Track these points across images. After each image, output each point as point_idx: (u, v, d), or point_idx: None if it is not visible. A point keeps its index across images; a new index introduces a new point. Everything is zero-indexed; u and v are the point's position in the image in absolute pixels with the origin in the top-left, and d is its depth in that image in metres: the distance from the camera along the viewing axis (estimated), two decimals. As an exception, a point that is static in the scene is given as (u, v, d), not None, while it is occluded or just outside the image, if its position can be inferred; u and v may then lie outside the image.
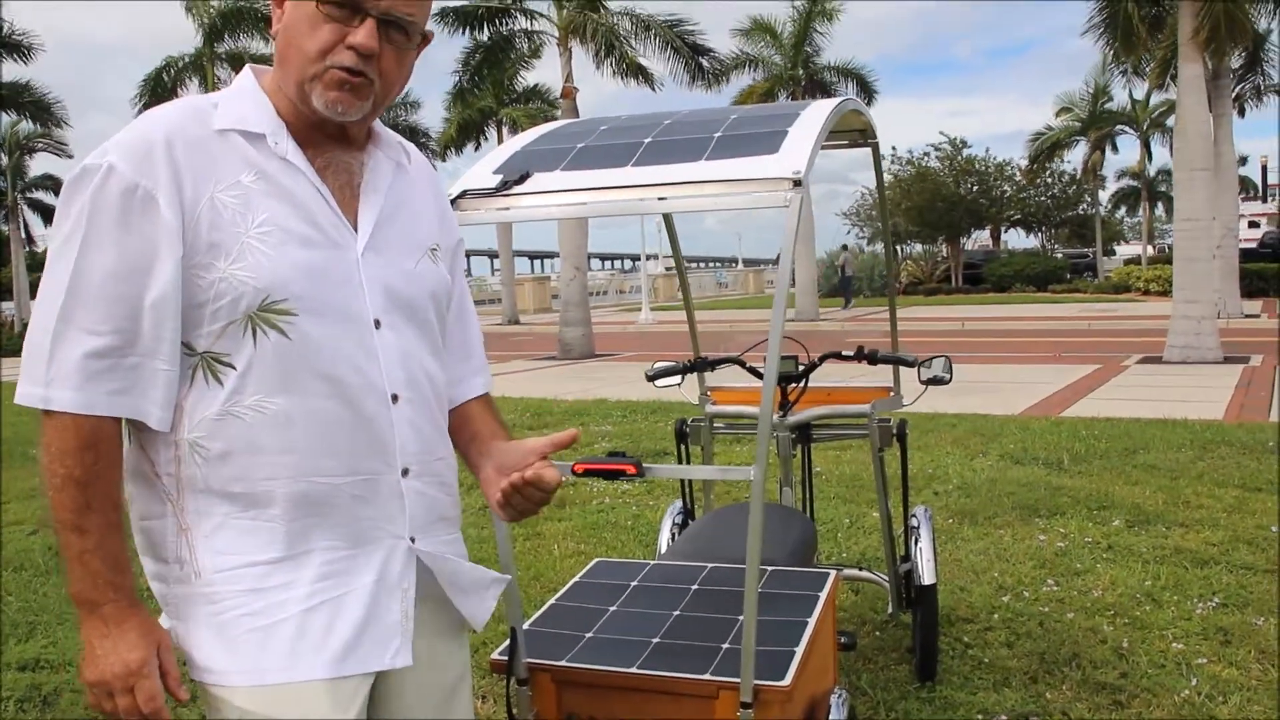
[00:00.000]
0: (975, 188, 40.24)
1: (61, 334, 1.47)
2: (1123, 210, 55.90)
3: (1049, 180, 42.06)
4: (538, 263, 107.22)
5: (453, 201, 2.27)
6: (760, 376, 3.86)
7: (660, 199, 2.13)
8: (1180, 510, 6.23)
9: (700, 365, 3.91)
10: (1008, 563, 5.30)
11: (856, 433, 3.94)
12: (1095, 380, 13.21)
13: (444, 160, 31.79)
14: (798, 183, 2.05)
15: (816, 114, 2.38)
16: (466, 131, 29.52)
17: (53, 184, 40.81)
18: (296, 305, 1.54)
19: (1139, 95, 38.21)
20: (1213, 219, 15.97)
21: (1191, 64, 15.27)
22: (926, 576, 3.79)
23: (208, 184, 1.52)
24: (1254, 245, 36.88)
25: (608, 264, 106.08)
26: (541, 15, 19.15)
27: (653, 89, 19.72)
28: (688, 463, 4.06)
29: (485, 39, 19.51)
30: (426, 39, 1.67)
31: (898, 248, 46.57)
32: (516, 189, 2.25)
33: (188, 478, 1.56)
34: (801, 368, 3.76)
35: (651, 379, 3.92)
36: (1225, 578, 4.95)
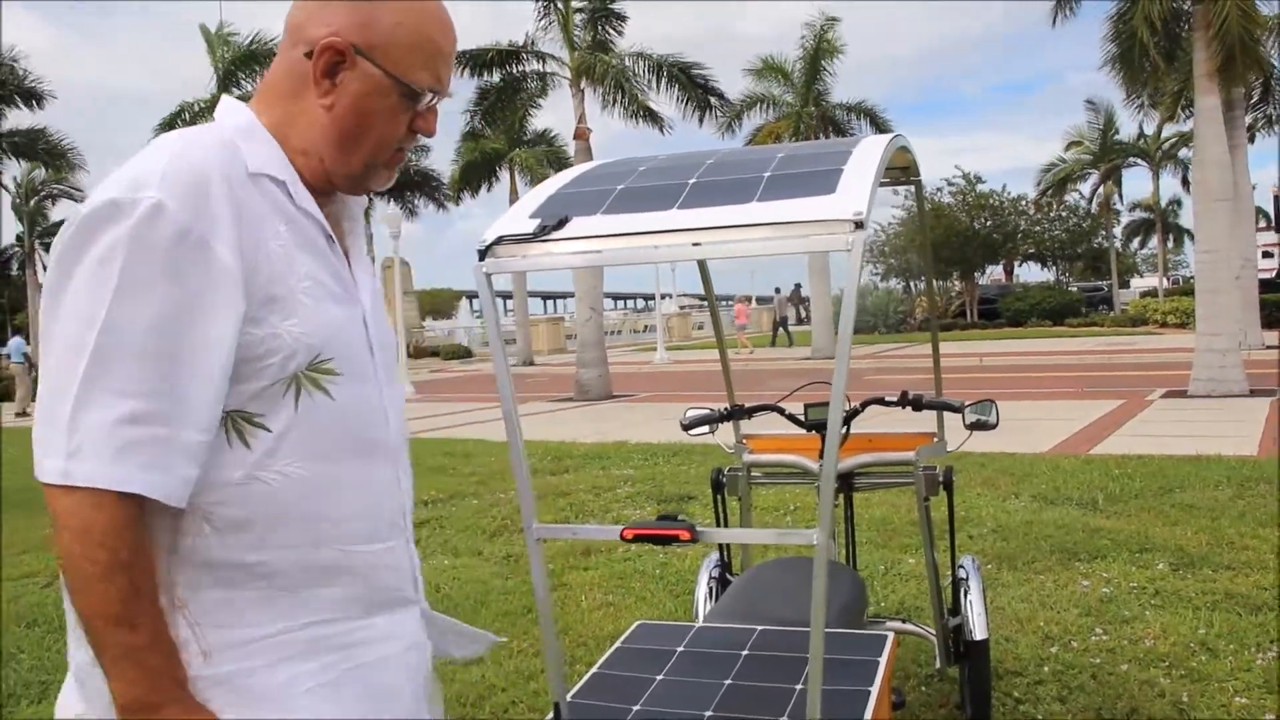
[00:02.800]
0: (989, 222, 40.16)
1: (86, 398, 1.27)
2: (1135, 242, 55.80)
3: (1063, 214, 41.99)
4: (550, 303, 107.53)
5: (488, 248, 2.15)
6: (801, 425, 3.72)
7: (697, 244, 2.00)
8: (1225, 552, 6.04)
9: (737, 413, 3.76)
10: (1052, 610, 5.11)
11: (900, 481, 3.79)
12: (1120, 416, 13.01)
13: (457, 204, 31.87)
14: (859, 224, 1.92)
15: (871, 151, 2.25)
16: (475, 173, 29.58)
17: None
18: (339, 365, 1.46)
19: (1149, 129, 38.19)
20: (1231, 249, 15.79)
21: (1208, 95, 15.16)
22: (978, 631, 3.62)
23: (262, 231, 1.40)
24: (1271, 275, 36.68)
25: (620, 303, 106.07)
26: (553, 58, 19.22)
27: (661, 131, 19.76)
28: (725, 514, 3.90)
29: (497, 81, 19.58)
30: None
31: (910, 284, 46.52)
32: (555, 234, 2.12)
33: (187, 550, 1.38)
34: (845, 411, 3.61)
35: (686, 428, 3.78)
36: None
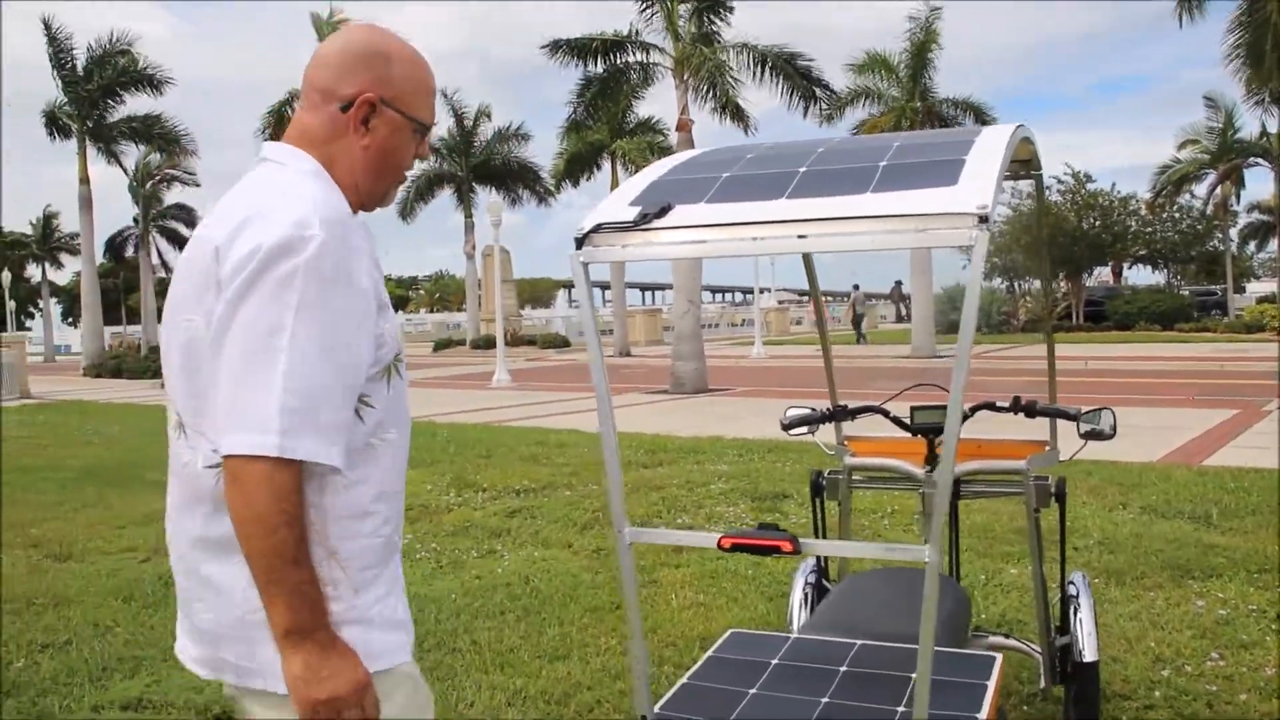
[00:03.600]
0: (1098, 222, 39.04)
1: (290, 391, 1.61)
2: (1252, 245, 53.77)
3: (1175, 215, 40.64)
4: (649, 295, 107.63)
5: (586, 235, 2.07)
6: (907, 428, 3.57)
7: (802, 236, 1.89)
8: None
9: (839, 414, 3.63)
10: (1163, 630, 4.87)
11: (1009, 490, 3.61)
12: (1235, 426, 12.47)
13: (557, 194, 32.03)
14: (984, 219, 1.79)
15: (994, 141, 2.10)
16: (578, 164, 29.64)
17: (184, 214, 42.28)
18: (402, 353, 1.87)
19: (1272, 127, 36.71)
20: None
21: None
22: (1088, 652, 3.43)
23: (372, 256, 1.80)
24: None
25: (718, 296, 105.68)
26: (657, 48, 19.11)
27: (746, 132, 19.50)
28: (823, 517, 3.77)
29: (600, 71, 19.55)
30: None
31: (1014, 283, 45.46)
32: (656, 223, 2.02)
33: (330, 505, 1.74)
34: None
35: (787, 427, 3.65)
36: None
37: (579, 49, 19.02)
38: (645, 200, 2.12)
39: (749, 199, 2.02)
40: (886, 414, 3.60)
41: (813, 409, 3.69)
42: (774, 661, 2.50)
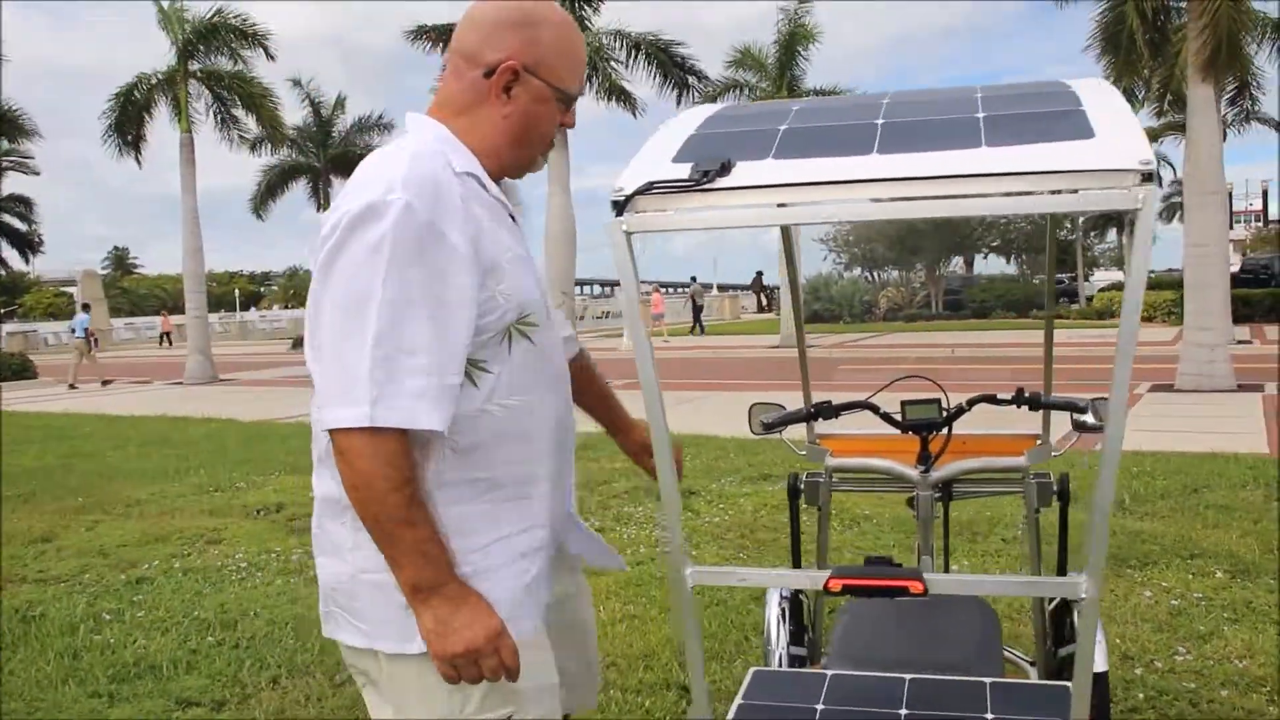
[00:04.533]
0: (954, 213, 40.01)
1: (379, 356, 1.60)
2: (1092, 236, 55.99)
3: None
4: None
5: (629, 199, 1.68)
6: (897, 425, 3.25)
7: (921, 199, 1.54)
8: (1280, 559, 5.69)
9: (825, 411, 3.29)
10: (1121, 625, 4.71)
11: (1008, 489, 3.34)
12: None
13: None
14: (1149, 175, 1.46)
15: (1103, 92, 1.79)
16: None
17: (23, 205, 39.74)
18: (537, 318, 1.82)
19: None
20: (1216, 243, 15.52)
21: (1203, 86, 14.86)
22: (1098, 662, 3.19)
23: (475, 216, 1.72)
24: (1234, 270, 36.81)
25: (580, 289, 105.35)
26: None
27: (634, 115, 19.21)
28: (796, 522, 3.44)
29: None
30: None
31: (873, 274, 46.39)
32: (722, 182, 1.64)
33: (434, 472, 1.73)
34: (945, 413, 3.17)
35: (769, 428, 3.29)
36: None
37: (445, 34, 18.37)
38: (694, 156, 1.74)
39: (827, 153, 1.66)
40: (876, 410, 3.28)
41: (783, 406, 3.36)
42: (820, 707, 2.15)
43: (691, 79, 19.05)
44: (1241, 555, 5.74)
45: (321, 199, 34.18)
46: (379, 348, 1.59)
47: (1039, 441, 3.36)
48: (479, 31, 1.82)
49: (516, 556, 1.81)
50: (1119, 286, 40.57)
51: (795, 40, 26.36)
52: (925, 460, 3.16)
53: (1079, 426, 3.29)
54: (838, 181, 1.56)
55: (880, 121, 1.74)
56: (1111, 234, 53.72)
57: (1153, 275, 55.63)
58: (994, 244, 43.00)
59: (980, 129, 1.65)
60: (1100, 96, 1.75)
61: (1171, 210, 56.40)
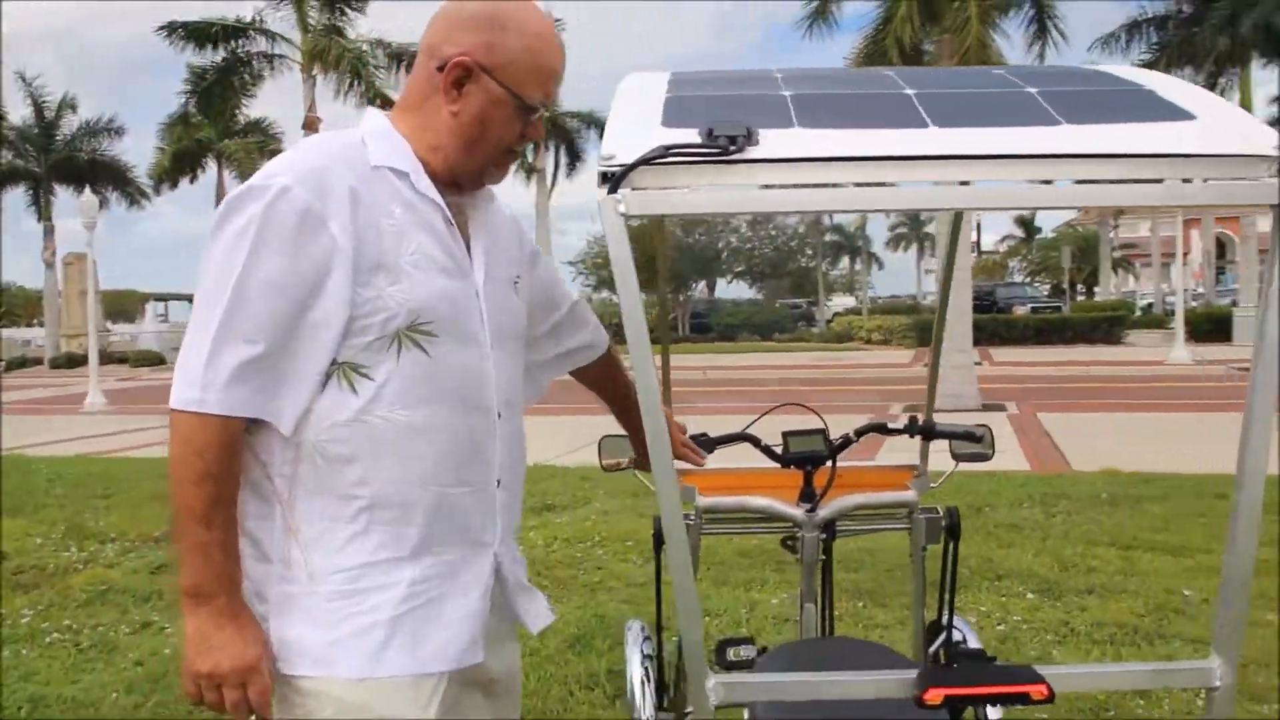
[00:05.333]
0: (702, 238, 41.13)
1: (221, 340, 1.56)
2: (825, 264, 58.99)
3: (773, 233, 43.64)
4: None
5: (624, 172, 1.29)
6: (777, 459, 2.96)
7: (1043, 183, 1.22)
8: (1079, 576, 5.83)
9: (704, 445, 2.94)
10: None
11: (893, 526, 3.10)
12: (876, 431, 13.09)
13: (157, 193, 29.06)
14: None
15: (1168, 81, 1.53)
16: (185, 162, 27.03)
17: None
18: (437, 327, 1.69)
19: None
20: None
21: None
22: (991, 711, 2.98)
23: (374, 212, 1.66)
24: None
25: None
26: (284, 38, 17.61)
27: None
28: (660, 575, 3.08)
29: (220, 60, 17.71)
30: None
31: (610, 297, 46.79)
32: (753, 153, 1.27)
33: (304, 478, 1.66)
34: (831, 445, 2.90)
35: (639, 464, 2.92)
36: (1192, 656, 4.46)
37: (197, 33, 17.09)
38: (689, 121, 1.36)
39: (869, 126, 1.33)
40: (757, 443, 2.97)
41: (626, 436, 3.00)
42: None
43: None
44: (1043, 575, 5.83)
45: (43, 208, 31.34)
46: (221, 332, 1.56)
47: (917, 473, 3.15)
48: (445, 27, 1.76)
49: (391, 587, 1.68)
50: (855, 311, 42.72)
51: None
52: (810, 497, 2.87)
53: (961, 456, 3.11)
54: (921, 157, 1.22)
55: (910, 92, 1.43)
56: (844, 261, 56.64)
57: (879, 301, 59.11)
58: (739, 269, 44.35)
59: (1042, 104, 1.36)
60: (1152, 78, 1.51)
61: (898, 240, 60.27)
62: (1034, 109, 1.35)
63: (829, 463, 2.87)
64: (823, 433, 2.92)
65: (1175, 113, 1.31)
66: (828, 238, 53.86)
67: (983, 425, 3.07)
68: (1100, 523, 7.06)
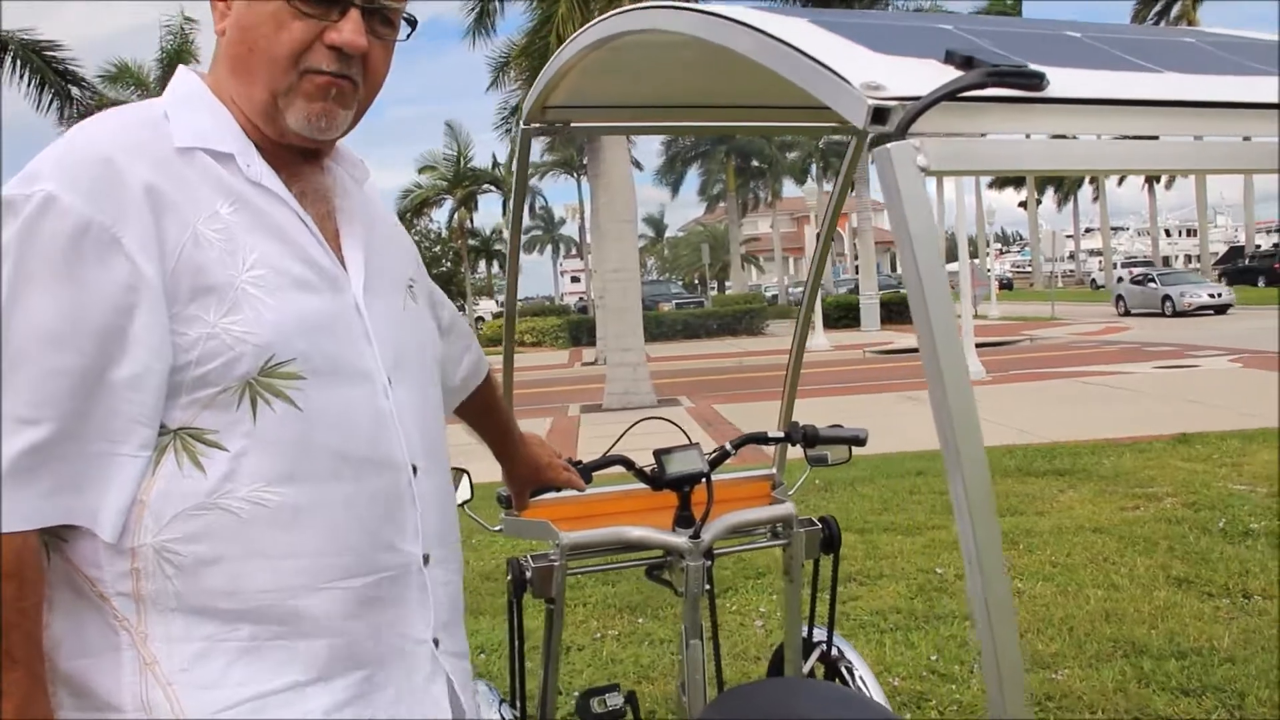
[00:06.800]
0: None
1: None
2: (464, 268, 58.89)
3: (416, 238, 42.94)
4: None
5: (921, 111, 0.93)
6: (649, 481, 2.63)
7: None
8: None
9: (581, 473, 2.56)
10: (749, 662, 4.49)
11: (771, 543, 2.85)
12: (561, 431, 13.06)
13: None
14: None
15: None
16: None
17: None
18: (304, 366, 1.25)
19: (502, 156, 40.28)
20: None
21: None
22: None
23: (188, 217, 1.21)
24: (579, 299, 40.64)
25: None
26: None
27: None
28: (520, 626, 2.67)
29: None
30: (413, 26, 1.39)
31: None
32: (1056, 91, 0.96)
33: (153, 595, 1.21)
34: (711, 456, 2.63)
35: (505, 501, 2.51)
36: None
37: None
38: (933, 53, 1.03)
39: (1109, 69, 1.06)
40: (631, 465, 2.64)
41: (465, 470, 2.58)
42: None
43: (76, 89, 16.67)
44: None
45: None
46: None
47: (774, 483, 2.94)
48: None
49: None
50: (498, 315, 42.83)
51: (181, 58, 24.51)
52: (689, 522, 2.57)
53: (818, 461, 2.92)
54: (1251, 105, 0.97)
55: (1076, 35, 1.18)
56: (481, 265, 56.62)
57: (523, 302, 59.71)
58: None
59: (1221, 54, 1.16)
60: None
61: (532, 243, 61.20)
62: (1219, 59, 1.15)
63: (704, 481, 2.59)
64: (696, 447, 2.64)
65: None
66: (471, 242, 53.81)
67: (862, 428, 2.89)
68: (825, 509, 7.23)
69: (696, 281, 52.68)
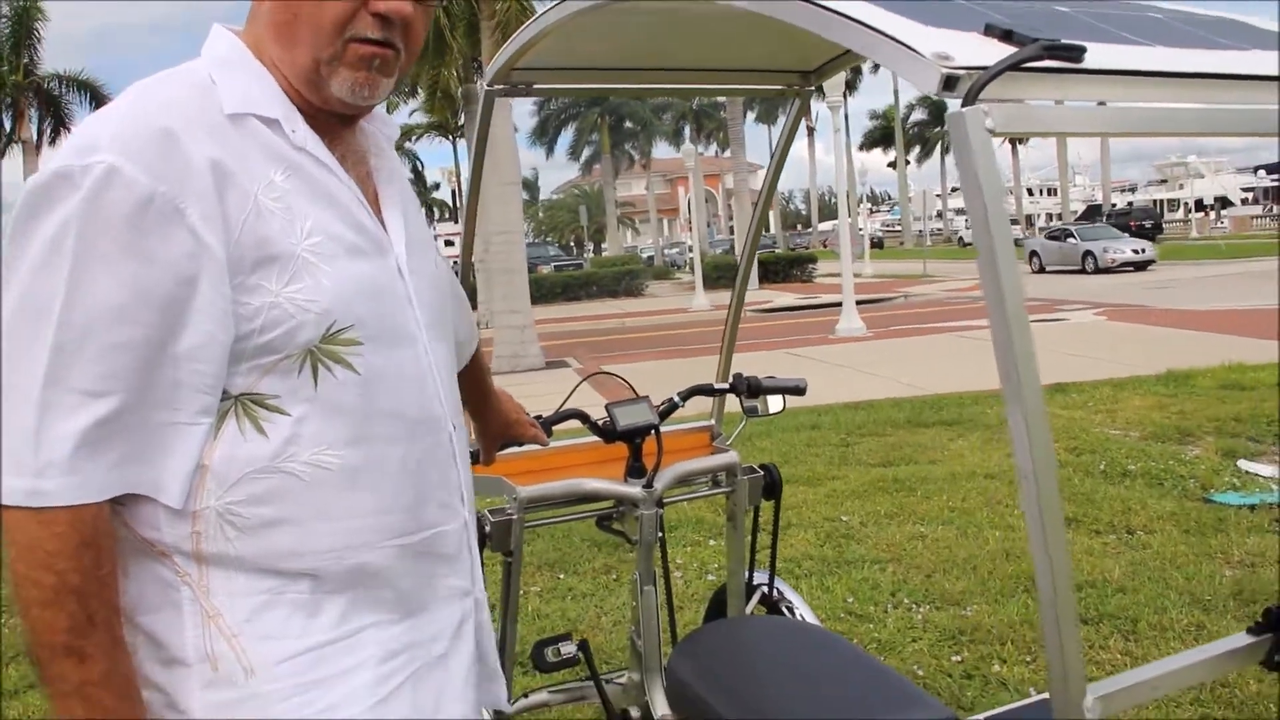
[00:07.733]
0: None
1: (52, 400, 1.13)
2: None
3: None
4: None
5: (1000, 69, 1.04)
6: (602, 434, 2.72)
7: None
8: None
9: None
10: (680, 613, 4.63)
11: (715, 491, 2.98)
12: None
13: None
14: None
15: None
16: None
17: None
18: (362, 332, 1.27)
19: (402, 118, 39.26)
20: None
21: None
22: None
23: (248, 187, 1.22)
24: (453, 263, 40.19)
25: None
26: None
27: None
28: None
29: None
30: None
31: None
32: (1096, 62, 1.08)
33: (215, 555, 1.24)
34: (660, 408, 2.74)
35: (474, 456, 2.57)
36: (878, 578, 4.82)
37: None
38: (971, 26, 1.13)
39: (1145, 44, 1.18)
40: (585, 418, 2.73)
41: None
42: None
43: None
44: (708, 522, 6.02)
45: None
46: (49, 390, 1.12)
47: (714, 433, 3.07)
48: None
49: (348, 669, 1.29)
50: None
51: (30, 14, 23.41)
52: (640, 473, 2.68)
53: (752, 412, 3.05)
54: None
55: (1113, 13, 1.29)
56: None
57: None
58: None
59: (1220, 37, 1.29)
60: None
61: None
62: (1208, 35, 1.28)
63: (653, 433, 2.70)
64: (646, 400, 2.75)
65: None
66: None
67: (801, 377, 3.03)
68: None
69: (573, 244, 52.64)
